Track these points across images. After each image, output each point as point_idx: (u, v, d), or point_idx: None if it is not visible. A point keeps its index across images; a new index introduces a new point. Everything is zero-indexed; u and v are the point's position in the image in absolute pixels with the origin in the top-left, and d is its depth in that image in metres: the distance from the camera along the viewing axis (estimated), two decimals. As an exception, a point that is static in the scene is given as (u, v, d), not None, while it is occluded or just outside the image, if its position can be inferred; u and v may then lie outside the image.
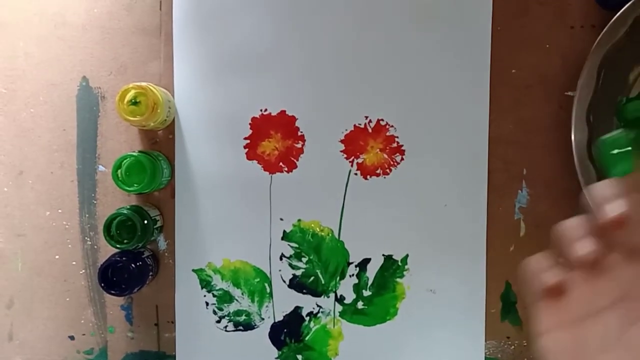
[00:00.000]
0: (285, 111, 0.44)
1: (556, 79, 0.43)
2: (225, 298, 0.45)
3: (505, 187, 0.44)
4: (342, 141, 0.44)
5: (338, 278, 0.45)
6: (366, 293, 0.44)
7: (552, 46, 0.43)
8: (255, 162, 0.44)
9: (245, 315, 0.45)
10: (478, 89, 0.43)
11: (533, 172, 0.44)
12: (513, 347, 0.44)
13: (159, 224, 0.43)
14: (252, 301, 0.45)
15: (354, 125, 0.44)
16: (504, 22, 0.43)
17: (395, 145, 0.44)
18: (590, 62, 0.39)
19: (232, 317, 0.45)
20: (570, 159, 0.41)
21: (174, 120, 0.44)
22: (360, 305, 0.44)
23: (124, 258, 0.41)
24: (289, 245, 0.45)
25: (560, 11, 0.43)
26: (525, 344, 0.44)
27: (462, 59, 0.43)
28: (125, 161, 0.40)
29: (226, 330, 0.45)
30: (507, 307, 0.44)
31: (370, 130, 0.44)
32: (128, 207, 0.42)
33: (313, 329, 0.45)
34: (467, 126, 0.43)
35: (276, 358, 0.45)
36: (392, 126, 0.44)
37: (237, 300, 0.45)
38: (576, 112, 0.40)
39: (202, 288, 0.45)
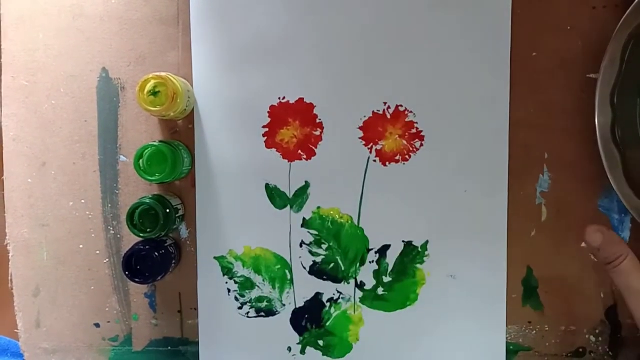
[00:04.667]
0: (303, 99, 0.44)
1: (578, 61, 0.43)
2: (246, 285, 0.45)
3: (526, 172, 0.43)
4: (360, 128, 0.44)
5: (358, 264, 0.45)
6: (386, 279, 0.45)
7: (574, 28, 0.43)
8: (274, 150, 0.44)
9: (267, 302, 0.45)
10: (498, 73, 0.43)
11: (554, 156, 0.43)
12: (535, 332, 0.44)
13: (180, 212, 0.44)
14: (273, 288, 0.45)
15: (373, 112, 0.44)
16: (524, 5, 0.43)
17: (414, 131, 0.44)
18: (614, 43, 0.38)
19: (253, 304, 0.45)
20: (592, 142, 0.40)
21: (193, 109, 0.44)
22: (380, 291, 0.45)
23: (147, 247, 0.41)
24: (308, 232, 0.45)
25: (582, -8, 0.42)
26: (547, 328, 0.44)
27: (482, 42, 0.43)
28: (146, 151, 0.41)
29: (248, 317, 0.45)
30: (529, 292, 0.44)
31: (389, 117, 0.44)
32: (150, 196, 0.42)
33: (334, 315, 0.45)
34: (488, 111, 0.43)
35: (297, 344, 0.45)
36: (411, 112, 0.44)
37: (258, 286, 0.45)
38: (600, 95, 0.39)
39: (223, 275, 0.45)
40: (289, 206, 0.45)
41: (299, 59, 0.44)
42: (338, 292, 0.45)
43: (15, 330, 0.46)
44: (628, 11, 0.38)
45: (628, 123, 0.40)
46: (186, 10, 0.44)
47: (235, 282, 0.45)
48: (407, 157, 0.44)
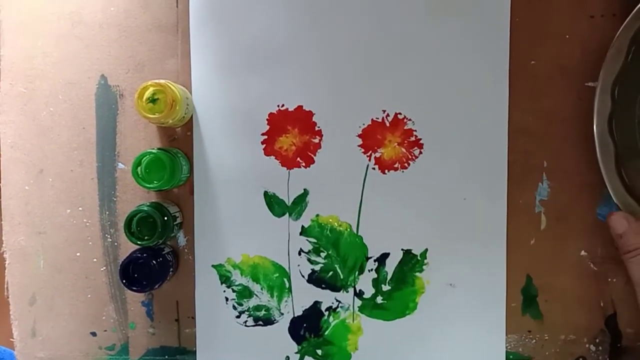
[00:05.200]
0: (302, 106, 0.44)
1: (576, 69, 0.43)
2: (244, 293, 0.45)
3: (525, 180, 0.43)
4: (359, 136, 0.44)
5: (357, 273, 0.45)
6: (385, 288, 0.44)
7: (572, 36, 0.43)
8: (272, 157, 0.44)
9: (265, 310, 0.45)
10: (497, 80, 0.43)
11: (553, 164, 0.43)
12: (534, 341, 0.44)
13: (178, 220, 0.44)
14: (272, 296, 0.45)
15: (372, 120, 0.44)
16: (523, 13, 0.43)
17: (413, 139, 0.44)
18: (612, 50, 0.38)
19: (251, 312, 0.45)
20: (591, 150, 0.40)
21: (192, 117, 0.44)
22: (379, 299, 0.44)
23: (144, 254, 0.41)
24: (307, 240, 0.45)
25: (580, 0, 0.43)
26: (547, 337, 0.44)
27: (481, 50, 0.43)
28: (144, 158, 0.41)
29: (246, 325, 0.45)
30: (528, 301, 0.44)
31: (388, 124, 0.44)
32: (148, 204, 0.42)
33: (332, 324, 0.45)
34: (486, 119, 0.43)
35: (296, 353, 0.45)
36: (410, 120, 0.44)
37: (256, 295, 0.45)
38: (598, 101, 0.39)
39: (221, 283, 0.45)
40: (287, 214, 0.44)
41: (298, 66, 0.44)
42: (337, 300, 0.45)
43: (11, 339, 0.46)
44: (626, 21, 0.38)
45: (626, 131, 0.40)
46: (185, 18, 0.44)
47: (233, 291, 0.45)
48: (406, 164, 0.44)
